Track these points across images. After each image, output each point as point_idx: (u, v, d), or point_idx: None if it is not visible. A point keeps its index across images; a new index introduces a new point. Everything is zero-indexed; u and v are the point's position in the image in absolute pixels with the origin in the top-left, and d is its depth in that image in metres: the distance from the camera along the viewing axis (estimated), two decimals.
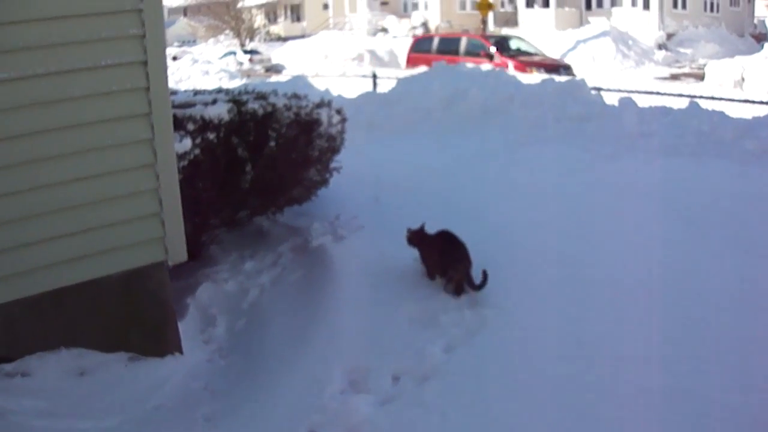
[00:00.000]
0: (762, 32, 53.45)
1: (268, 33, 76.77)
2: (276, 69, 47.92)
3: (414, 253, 7.70)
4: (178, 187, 6.29)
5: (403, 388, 5.90)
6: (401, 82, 17.48)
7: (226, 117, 7.43)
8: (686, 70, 33.10)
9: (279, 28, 79.21)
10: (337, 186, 9.85)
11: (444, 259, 7.18)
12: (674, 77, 30.22)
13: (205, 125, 7.33)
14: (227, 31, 75.75)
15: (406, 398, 5.74)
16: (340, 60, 43.56)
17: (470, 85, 15.54)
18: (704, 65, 31.17)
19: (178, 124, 7.06)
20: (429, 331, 6.62)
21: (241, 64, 50.43)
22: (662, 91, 18.12)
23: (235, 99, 7.76)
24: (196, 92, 8.93)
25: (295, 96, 8.53)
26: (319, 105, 8.60)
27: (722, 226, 8.45)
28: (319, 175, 9.09)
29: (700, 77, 28.68)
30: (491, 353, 6.21)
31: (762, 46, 29.18)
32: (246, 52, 57.20)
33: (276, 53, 55.78)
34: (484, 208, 9.35)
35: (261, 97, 8.04)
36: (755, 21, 61.67)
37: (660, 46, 40.66)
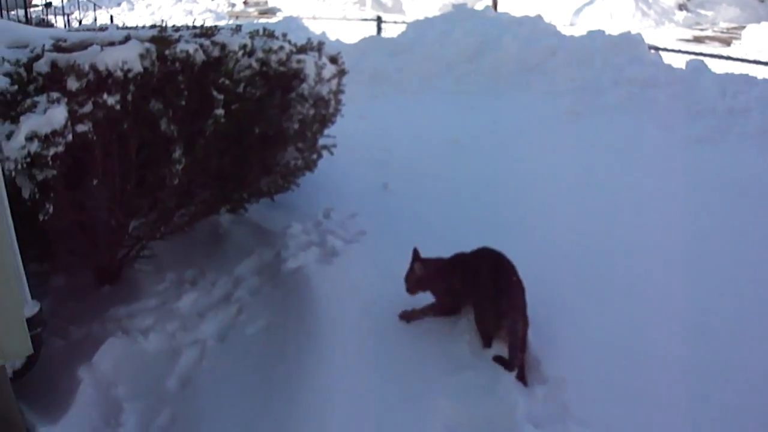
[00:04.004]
0: None
1: None
2: (271, 11, 45.38)
3: None
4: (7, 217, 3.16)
5: None
6: (413, 26, 14.98)
7: (137, 66, 4.43)
8: (709, 33, 31.05)
9: None
10: (329, 163, 7.17)
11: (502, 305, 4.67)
12: (698, 40, 27.95)
13: (100, 81, 4.34)
14: None
15: None
16: (339, 3, 40.99)
17: (502, 33, 13.10)
18: (728, 29, 30.30)
19: (53, 79, 4.23)
20: None
21: (233, 5, 47.91)
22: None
23: (159, 37, 4.63)
24: (123, 28, 5.83)
25: (266, 34, 5.46)
26: (303, 49, 5.56)
27: None
28: (301, 158, 6.38)
29: (725, 41, 26.56)
30: None
31: None
32: None
33: None
34: (539, 210, 6.94)
35: (204, 34, 4.95)
36: None
37: (681, 7, 38.65)
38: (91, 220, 5.11)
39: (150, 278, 5.94)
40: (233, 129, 5.14)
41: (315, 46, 6.15)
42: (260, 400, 4.48)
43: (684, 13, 36.62)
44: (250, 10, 44.69)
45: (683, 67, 11.65)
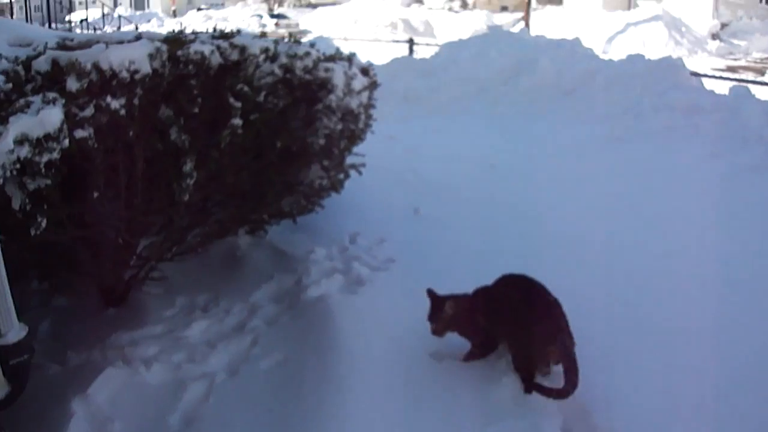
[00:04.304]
0: None
1: None
2: (303, 33, 45.71)
3: None
4: None
5: None
6: (446, 47, 14.85)
7: (145, 67, 3.99)
8: (742, 62, 31.45)
9: None
10: (356, 184, 6.75)
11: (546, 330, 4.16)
12: (732, 69, 27.76)
13: (103, 82, 3.89)
14: None
15: None
16: (371, 26, 41.15)
17: (539, 55, 12.87)
18: (761, 59, 30.86)
19: (53, 79, 3.82)
20: None
21: (264, 26, 48.22)
22: None
23: (173, 37, 4.21)
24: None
25: (291, 39, 5.04)
26: (331, 58, 5.19)
27: None
28: (326, 177, 5.93)
29: (759, 71, 26.47)
30: None
31: None
32: (273, 16, 55.31)
33: (305, 19, 54.21)
34: (580, 240, 6.47)
35: (223, 36, 4.51)
36: None
37: (713, 36, 39.07)
38: (94, 237, 4.65)
39: (158, 302, 5.48)
40: (252, 142, 4.68)
41: (344, 56, 5.71)
42: None
43: (717, 42, 37.02)
44: (281, 31, 45.12)
45: (726, 93, 11.19)
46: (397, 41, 21.93)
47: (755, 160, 8.60)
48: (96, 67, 3.83)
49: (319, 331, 4.82)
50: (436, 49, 15.39)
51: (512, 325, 4.22)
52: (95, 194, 4.12)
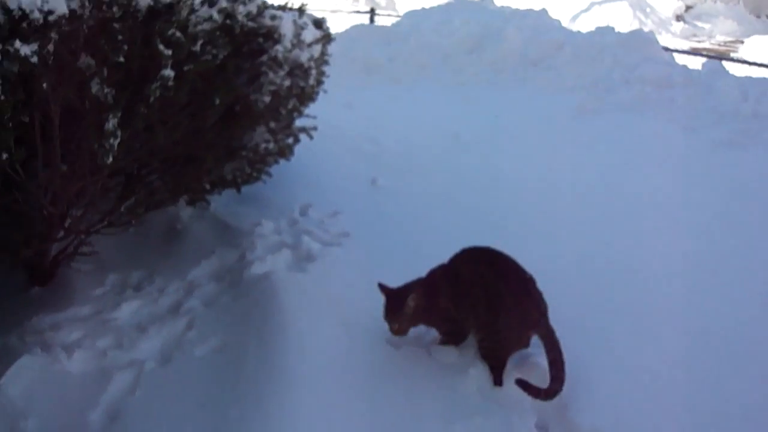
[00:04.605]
0: None
1: None
2: None
3: None
4: None
5: None
6: (408, 15, 14.92)
7: (62, 7, 3.49)
8: (707, 45, 31.83)
9: None
10: (309, 152, 6.49)
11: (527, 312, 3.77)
12: (696, 51, 27.79)
13: (12, 25, 3.41)
14: None
15: None
16: None
17: (504, 24, 12.70)
18: (725, 42, 31.16)
19: None
20: None
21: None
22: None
23: None
24: None
25: None
26: (280, 7, 4.92)
27: None
28: (273, 141, 5.55)
29: (723, 54, 26.84)
30: None
31: None
32: None
33: None
34: (548, 215, 6.32)
35: None
36: None
37: (678, 18, 39.26)
38: (13, 207, 4.15)
39: (87, 280, 5.08)
40: (186, 97, 4.23)
41: (294, 7, 5.30)
42: None
43: (681, 24, 37.21)
44: None
45: (699, 68, 11.12)
46: (359, 12, 21.56)
47: (732, 136, 8.47)
48: (2, 6, 3.32)
49: (262, 312, 4.39)
50: (398, 19, 15.19)
51: (484, 307, 3.76)
52: (4, 156, 3.60)
